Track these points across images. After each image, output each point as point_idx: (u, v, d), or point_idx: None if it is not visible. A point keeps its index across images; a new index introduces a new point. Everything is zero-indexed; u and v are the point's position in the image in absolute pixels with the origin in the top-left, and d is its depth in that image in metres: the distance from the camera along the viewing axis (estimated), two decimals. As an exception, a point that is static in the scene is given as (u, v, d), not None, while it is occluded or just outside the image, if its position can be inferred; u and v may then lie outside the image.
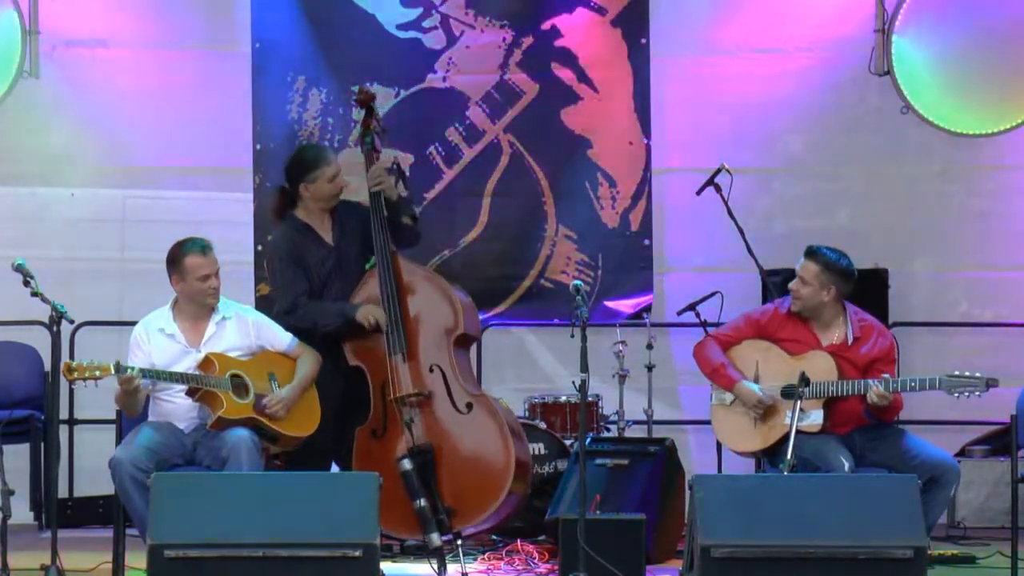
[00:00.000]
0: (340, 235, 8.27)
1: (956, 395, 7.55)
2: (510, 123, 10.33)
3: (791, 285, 7.80)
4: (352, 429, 8.11)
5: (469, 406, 8.00)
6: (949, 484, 7.50)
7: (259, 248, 10.22)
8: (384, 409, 8.06)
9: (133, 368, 7.40)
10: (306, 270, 8.17)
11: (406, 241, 8.36)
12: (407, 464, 7.78)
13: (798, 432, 7.45)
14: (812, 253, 7.79)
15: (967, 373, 7.54)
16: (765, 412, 7.72)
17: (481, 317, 9.06)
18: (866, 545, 6.58)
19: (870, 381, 7.53)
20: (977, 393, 7.53)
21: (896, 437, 7.71)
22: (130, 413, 7.61)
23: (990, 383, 7.51)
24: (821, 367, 7.61)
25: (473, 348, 8.80)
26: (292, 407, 7.69)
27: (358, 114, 9.48)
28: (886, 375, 7.60)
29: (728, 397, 7.80)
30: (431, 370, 8.06)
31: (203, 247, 7.69)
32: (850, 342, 7.74)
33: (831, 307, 7.79)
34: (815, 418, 7.62)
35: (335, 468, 8.32)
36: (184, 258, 7.67)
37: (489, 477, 7.92)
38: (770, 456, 7.74)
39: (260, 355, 7.77)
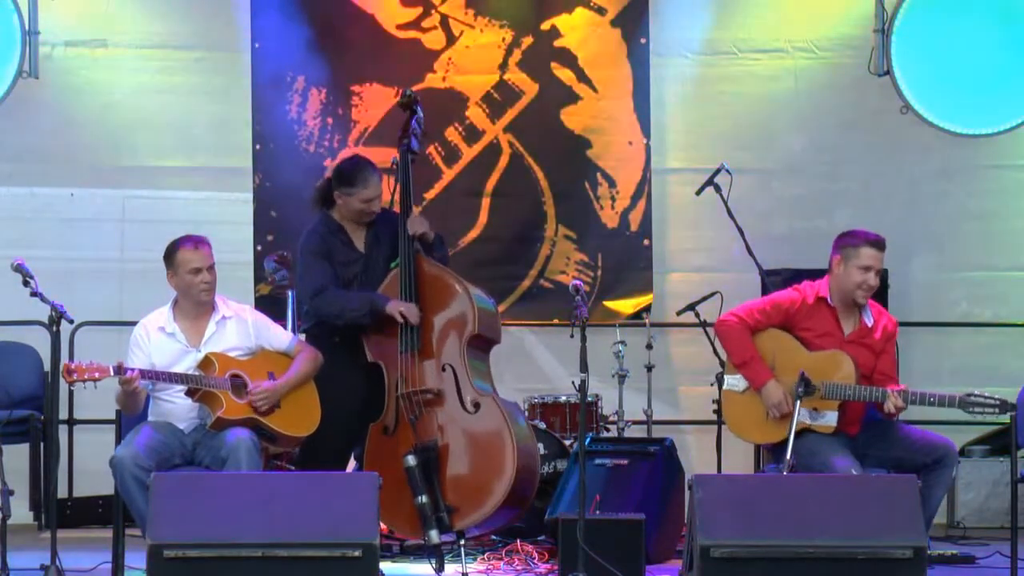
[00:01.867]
0: (372, 243, 8.22)
1: (972, 414, 7.55)
2: (510, 123, 10.35)
3: (871, 281, 7.63)
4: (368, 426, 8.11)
5: (477, 406, 7.99)
6: (950, 465, 7.50)
7: (258, 248, 10.23)
8: (396, 406, 8.05)
9: (131, 370, 7.39)
10: (332, 267, 8.14)
11: None
12: (411, 460, 7.77)
13: (811, 432, 7.45)
14: (879, 243, 7.67)
15: (986, 394, 7.51)
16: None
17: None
18: (866, 545, 6.58)
19: (888, 391, 7.50)
20: (994, 414, 7.53)
21: (896, 429, 7.72)
22: (130, 413, 7.62)
23: (1008, 408, 7.50)
24: (839, 368, 7.59)
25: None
26: (279, 399, 7.66)
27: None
28: (905, 386, 7.57)
29: (741, 385, 7.75)
30: (443, 369, 8.04)
31: (196, 242, 7.68)
32: (870, 324, 7.73)
33: None
34: (829, 419, 7.58)
35: (353, 465, 8.30)
36: (176, 252, 7.68)
37: (490, 478, 7.89)
38: (777, 451, 7.70)
39: (260, 355, 7.76)
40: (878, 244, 7.69)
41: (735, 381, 7.77)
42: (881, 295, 9.81)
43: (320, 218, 8.25)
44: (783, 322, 7.75)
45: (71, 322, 7.55)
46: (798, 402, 7.40)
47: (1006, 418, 8.19)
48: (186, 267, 7.65)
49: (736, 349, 7.73)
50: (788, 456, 7.23)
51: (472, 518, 7.86)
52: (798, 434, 7.37)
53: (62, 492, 9.69)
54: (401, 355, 8.02)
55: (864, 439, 7.71)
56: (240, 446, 7.40)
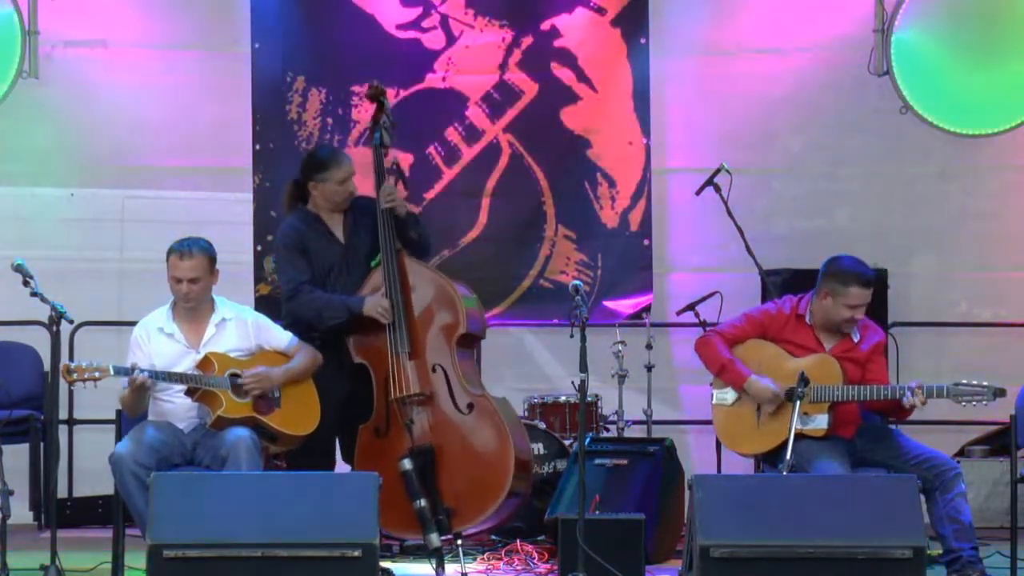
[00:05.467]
0: (352, 231, 8.20)
1: (963, 404, 7.55)
2: (510, 123, 10.34)
3: (857, 316, 7.64)
4: (357, 427, 8.09)
5: (470, 407, 7.97)
6: (959, 480, 7.50)
7: (258, 248, 10.23)
8: (387, 408, 8.03)
9: (141, 371, 7.39)
10: (310, 260, 8.13)
11: (414, 255, 8.31)
12: (407, 464, 7.77)
13: (803, 436, 7.45)
14: (870, 281, 7.65)
15: (975, 382, 7.51)
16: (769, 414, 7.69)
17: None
18: (865, 545, 6.59)
19: (905, 387, 7.50)
20: (984, 402, 7.52)
21: (894, 438, 7.73)
22: (133, 414, 7.61)
23: (997, 393, 7.50)
24: (826, 371, 7.59)
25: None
26: (277, 392, 7.65)
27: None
28: (918, 380, 7.57)
29: (729, 398, 7.76)
30: (434, 370, 8.02)
31: (185, 249, 7.64)
32: (856, 339, 7.74)
33: None
34: (820, 422, 7.58)
35: (343, 466, 8.29)
36: (168, 256, 7.69)
37: (488, 478, 7.89)
38: (770, 459, 7.72)
39: (259, 354, 7.76)
40: (868, 283, 7.66)
41: (723, 395, 7.78)
42: (881, 295, 9.83)
43: (295, 213, 8.24)
44: (760, 334, 7.77)
45: (71, 322, 7.57)
46: (798, 402, 7.40)
47: (1006, 418, 8.20)
48: (170, 273, 7.67)
49: (711, 358, 7.75)
50: (788, 456, 7.23)
51: (472, 520, 7.86)
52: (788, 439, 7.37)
53: (62, 492, 9.69)
54: (392, 358, 8.00)
55: (862, 443, 7.72)
56: (240, 445, 7.40)
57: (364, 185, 8.40)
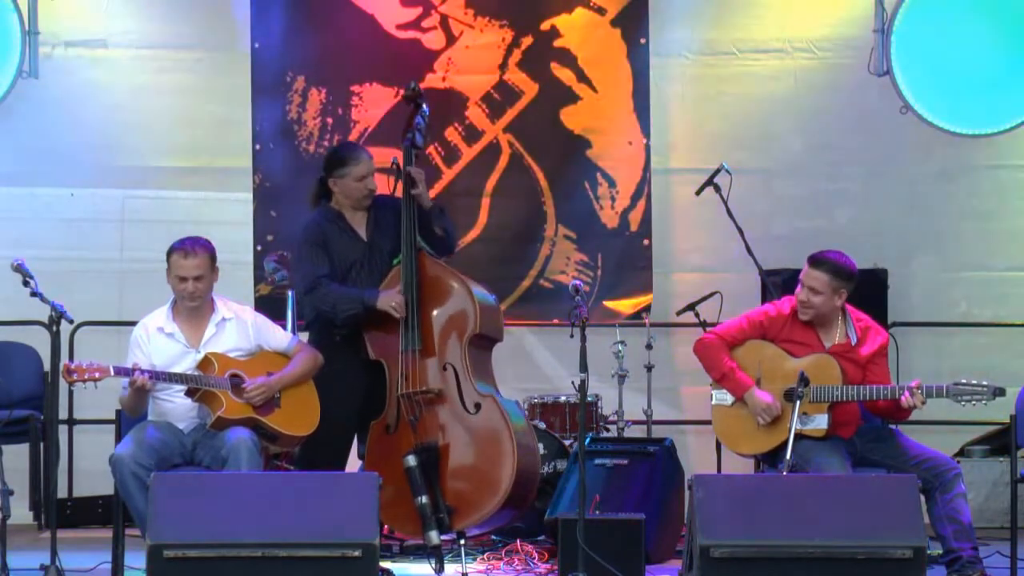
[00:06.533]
0: (374, 229, 8.19)
1: (963, 404, 7.55)
2: (510, 123, 10.34)
3: (800, 296, 7.67)
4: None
5: (477, 407, 7.97)
6: (959, 481, 7.51)
7: (258, 248, 10.23)
8: (398, 404, 8.04)
9: (142, 372, 7.39)
10: (330, 256, 8.13)
11: (438, 251, 8.31)
12: (411, 460, 7.77)
13: (803, 437, 7.45)
14: (818, 262, 7.66)
15: (974, 381, 7.52)
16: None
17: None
18: (865, 545, 6.59)
19: (904, 387, 7.50)
20: (984, 402, 7.52)
21: (894, 438, 7.73)
22: (134, 414, 7.61)
23: (997, 392, 7.50)
24: (825, 371, 7.59)
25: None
26: (278, 396, 7.65)
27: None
28: (917, 380, 7.57)
29: (729, 398, 7.77)
30: (444, 368, 8.03)
31: (188, 248, 7.65)
32: (854, 342, 7.74)
33: (835, 309, 7.77)
34: (820, 422, 7.58)
35: (359, 463, 8.29)
36: (170, 254, 7.69)
37: (488, 478, 7.88)
38: (770, 459, 7.73)
39: (259, 355, 7.76)
40: (819, 264, 7.65)
41: (723, 395, 7.78)
42: (881, 295, 9.84)
43: (318, 209, 8.25)
44: (760, 335, 7.78)
45: (71, 322, 7.57)
46: (798, 401, 7.40)
47: (1006, 418, 8.20)
48: (173, 273, 7.67)
49: (712, 365, 7.75)
50: (788, 456, 7.24)
51: (471, 519, 7.86)
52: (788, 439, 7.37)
53: (62, 492, 9.69)
54: (402, 354, 8.01)
55: (862, 443, 7.72)
56: (241, 446, 7.40)
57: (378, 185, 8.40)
